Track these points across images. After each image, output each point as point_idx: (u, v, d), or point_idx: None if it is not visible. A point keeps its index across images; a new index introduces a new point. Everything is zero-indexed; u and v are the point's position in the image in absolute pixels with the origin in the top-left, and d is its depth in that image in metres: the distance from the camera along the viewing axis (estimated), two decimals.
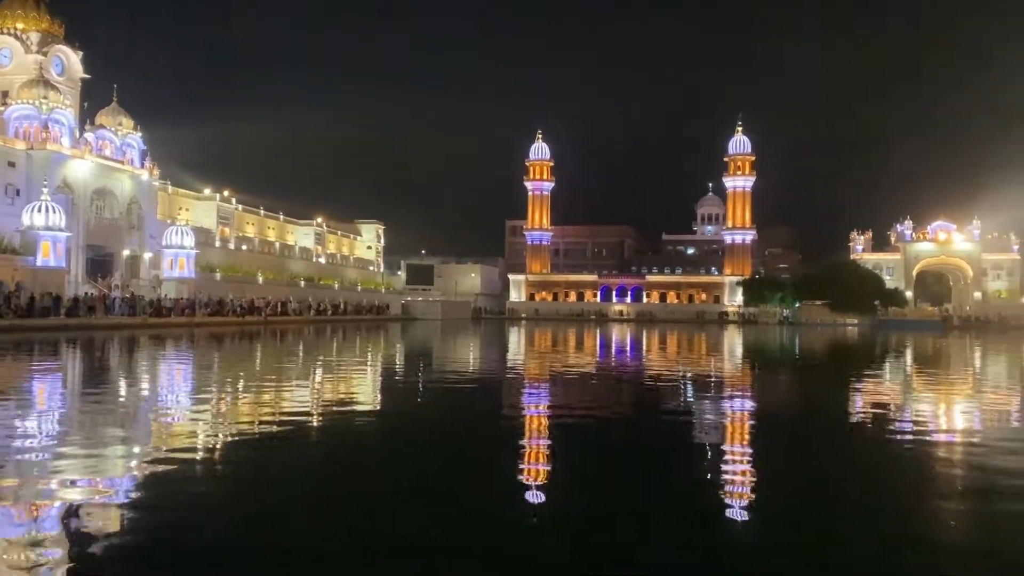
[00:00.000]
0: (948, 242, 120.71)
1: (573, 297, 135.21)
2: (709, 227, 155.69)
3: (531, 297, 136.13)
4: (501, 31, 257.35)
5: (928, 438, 13.00)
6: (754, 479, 9.53)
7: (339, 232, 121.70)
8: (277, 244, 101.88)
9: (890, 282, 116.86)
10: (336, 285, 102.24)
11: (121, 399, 16.45)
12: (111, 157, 69.61)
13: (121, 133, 72.04)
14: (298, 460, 10.12)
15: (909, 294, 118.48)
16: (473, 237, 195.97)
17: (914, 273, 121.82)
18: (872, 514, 7.94)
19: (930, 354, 41.13)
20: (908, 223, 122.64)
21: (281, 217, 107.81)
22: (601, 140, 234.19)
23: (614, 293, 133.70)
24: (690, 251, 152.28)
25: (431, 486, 8.76)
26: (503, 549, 6.56)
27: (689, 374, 25.03)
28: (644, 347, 43.45)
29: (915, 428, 14.12)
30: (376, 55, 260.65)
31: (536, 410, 15.88)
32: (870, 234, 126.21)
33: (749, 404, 17.74)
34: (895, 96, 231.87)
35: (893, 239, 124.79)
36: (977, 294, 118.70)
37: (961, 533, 7.41)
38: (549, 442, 11.96)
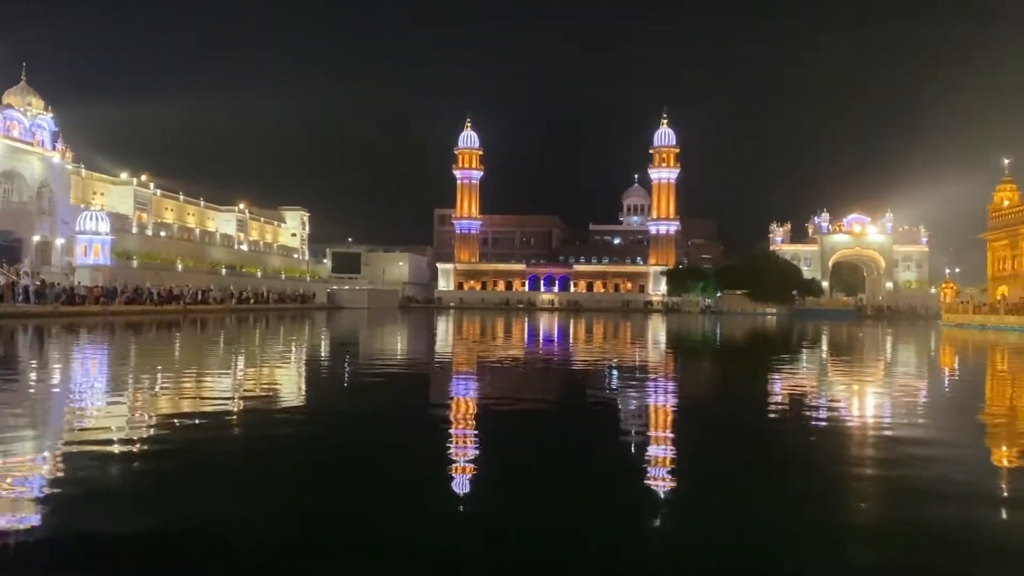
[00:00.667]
0: (862, 234, 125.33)
1: (502, 286, 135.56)
2: (635, 218, 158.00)
3: (460, 286, 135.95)
4: (433, 19, 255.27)
5: (840, 422, 13.38)
6: (672, 465, 9.61)
7: (262, 219, 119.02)
8: (197, 231, 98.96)
9: (808, 272, 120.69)
10: (259, 273, 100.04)
11: (29, 391, 15.64)
12: (19, 138, 66.40)
13: (30, 114, 68.83)
14: (203, 453, 9.74)
15: (825, 284, 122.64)
16: (401, 225, 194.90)
17: (830, 264, 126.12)
18: (783, 496, 8.08)
19: (844, 342, 42.57)
20: (825, 216, 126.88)
21: (202, 203, 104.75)
22: (530, 130, 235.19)
23: (542, 282, 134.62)
24: (617, 241, 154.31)
25: (341, 479, 8.54)
26: (404, 544, 6.41)
27: (615, 362, 25.28)
28: (571, 336, 43.75)
29: (829, 413, 14.51)
30: (305, 40, 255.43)
31: (462, 399, 15.74)
32: (789, 226, 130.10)
33: (671, 390, 17.97)
34: (814, 93, 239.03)
35: (811, 231, 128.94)
36: (889, 284, 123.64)
37: (870, 515, 7.61)
38: (473, 432, 11.84)
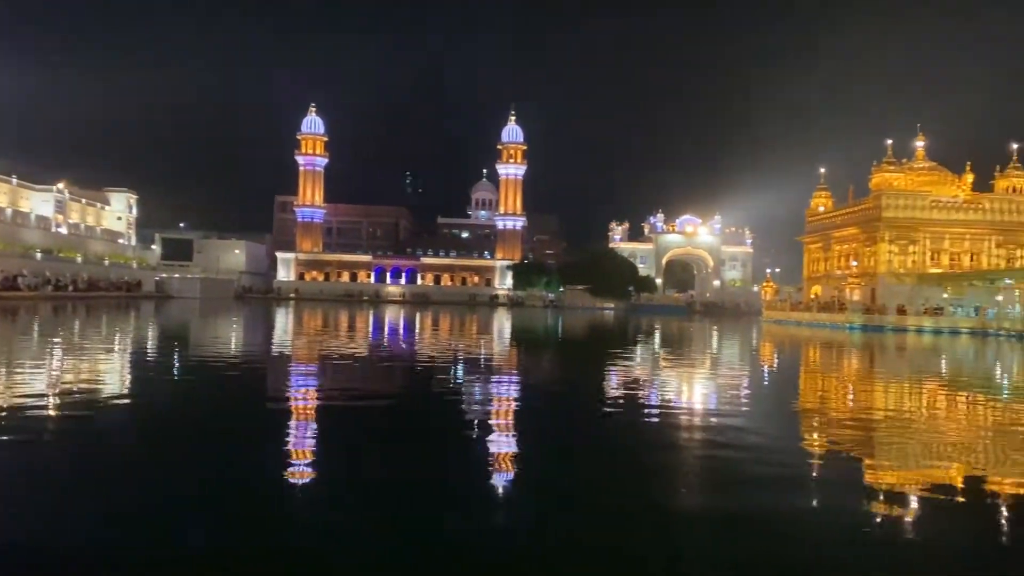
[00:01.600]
0: (694, 235, 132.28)
1: (346, 277, 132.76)
2: (483, 212, 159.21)
3: (301, 276, 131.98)
4: (285, 8, 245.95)
5: (668, 411, 13.91)
6: (512, 454, 9.59)
7: (84, 200, 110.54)
8: (8, 211, 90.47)
9: (643, 269, 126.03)
10: (79, 258, 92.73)
11: None
12: None
13: None
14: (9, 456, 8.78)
15: (659, 281, 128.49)
16: (239, 212, 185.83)
17: (664, 262, 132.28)
18: (611, 480, 8.24)
19: (675, 336, 44.69)
20: (660, 216, 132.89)
21: (14, 181, 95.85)
22: (379, 121, 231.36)
23: (388, 274, 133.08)
24: (465, 235, 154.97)
25: (161, 479, 7.92)
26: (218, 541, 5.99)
27: (459, 355, 25.23)
28: (417, 328, 43.42)
29: (660, 402, 15.06)
30: (144, 15, 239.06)
31: (299, 395, 15.14)
32: (627, 225, 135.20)
33: (512, 382, 18.09)
34: (653, 99, 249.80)
35: (647, 230, 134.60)
36: (716, 282, 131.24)
37: (692, 496, 7.88)
38: (310, 428, 11.36)
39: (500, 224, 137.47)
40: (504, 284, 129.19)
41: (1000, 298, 55.68)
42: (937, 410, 15.94)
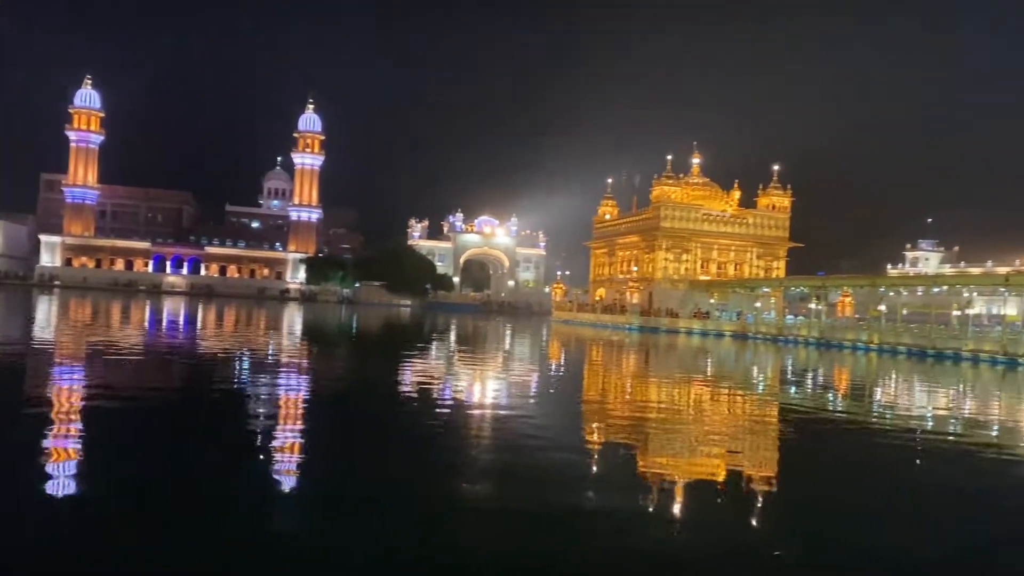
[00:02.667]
0: (491, 235, 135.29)
1: (121, 265, 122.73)
2: (276, 202, 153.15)
3: (69, 262, 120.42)
4: None
5: (461, 404, 14.20)
6: (295, 453, 9.39)
7: None
8: None
9: (441, 268, 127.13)
10: None
11: None
12: None
13: None
14: None
15: (456, 279, 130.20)
16: None
17: (462, 261, 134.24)
18: (396, 469, 8.33)
19: (470, 333, 45.51)
20: (459, 215, 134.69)
21: None
22: (165, 100, 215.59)
23: (169, 263, 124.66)
24: (255, 225, 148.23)
25: None
26: None
27: (242, 352, 24.20)
28: (198, 323, 41.09)
29: (453, 398, 15.32)
30: None
31: (58, 394, 13.89)
32: (427, 223, 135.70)
33: (299, 381, 17.64)
34: (456, 101, 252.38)
35: (446, 229, 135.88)
36: (511, 282, 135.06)
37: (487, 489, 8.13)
38: (73, 428, 10.47)
39: (294, 215, 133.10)
40: (296, 278, 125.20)
41: (758, 304, 61.71)
42: (701, 404, 17.44)
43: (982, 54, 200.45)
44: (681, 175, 73.28)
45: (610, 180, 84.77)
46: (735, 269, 71.26)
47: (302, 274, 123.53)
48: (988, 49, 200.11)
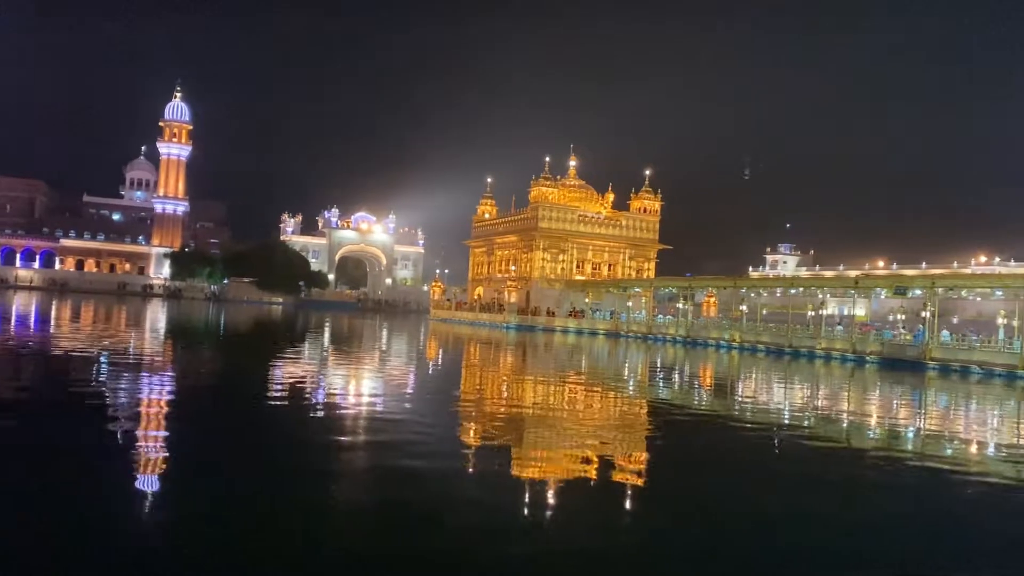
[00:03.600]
0: (368, 232, 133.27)
1: None
2: (139, 193, 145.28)
3: None
4: None
5: (335, 404, 13.90)
6: (156, 456, 8.93)
7: None
8: None
9: (315, 264, 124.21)
10: None
11: None
12: None
13: None
14: None
15: (332, 276, 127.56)
16: None
17: (337, 257, 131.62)
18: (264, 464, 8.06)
19: (344, 332, 44.71)
20: (335, 211, 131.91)
21: None
22: (16, 79, 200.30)
23: (19, 256, 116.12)
24: (116, 217, 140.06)
25: None
26: None
27: (97, 352, 22.83)
28: (51, 320, 38.49)
29: (326, 399, 14.97)
30: None
31: None
32: (300, 218, 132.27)
33: (154, 383, 16.82)
34: (333, 96, 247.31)
35: (321, 224, 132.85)
36: (388, 280, 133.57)
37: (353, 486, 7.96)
38: None
39: (159, 207, 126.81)
40: (161, 273, 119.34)
41: (630, 304, 63.63)
42: (575, 401, 17.78)
43: (843, 62, 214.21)
44: (559, 177, 74.57)
45: (489, 179, 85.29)
46: (609, 270, 73.16)
47: (167, 269, 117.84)
48: (848, 60, 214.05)
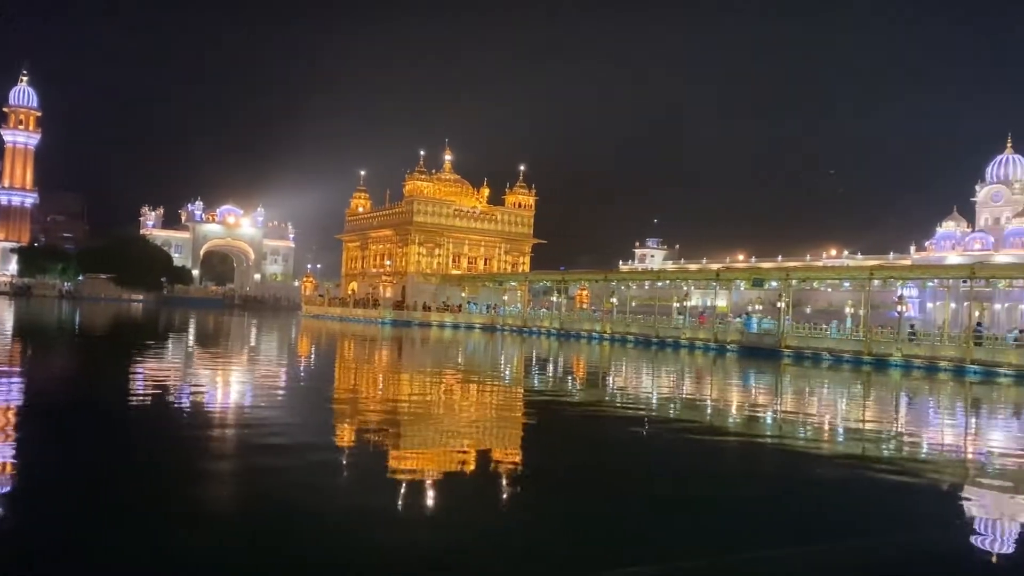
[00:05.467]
0: (236, 226, 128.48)
1: None
2: None
3: None
4: None
5: (201, 405, 13.37)
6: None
7: None
8: None
9: (179, 260, 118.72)
10: None
11: None
12: None
13: None
14: None
15: (196, 272, 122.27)
16: None
17: (202, 252, 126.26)
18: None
19: (210, 330, 42.99)
20: (199, 204, 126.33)
21: None
22: None
23: None
24: None
25: None
26: None
27: None
28: None
29: (192, 402, 14.37)
30: None
31: None
32: (162, 211, 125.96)
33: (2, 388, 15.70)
34: (195, 84, 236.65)
35: (184, 218, 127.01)
36: (257, 276, 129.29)
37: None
38: None
39: (4, 199, 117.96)
40: (7, 270, 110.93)
41: (506, 298, 64.32)
42: (451, 395, 17.83)
43: (713, 65, 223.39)
44: (434, 171, 74.38)
45: (363, 172, 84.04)
46: (485, 264, 73.67)
47: (14, 266, 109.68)
48: (718, 64, 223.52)
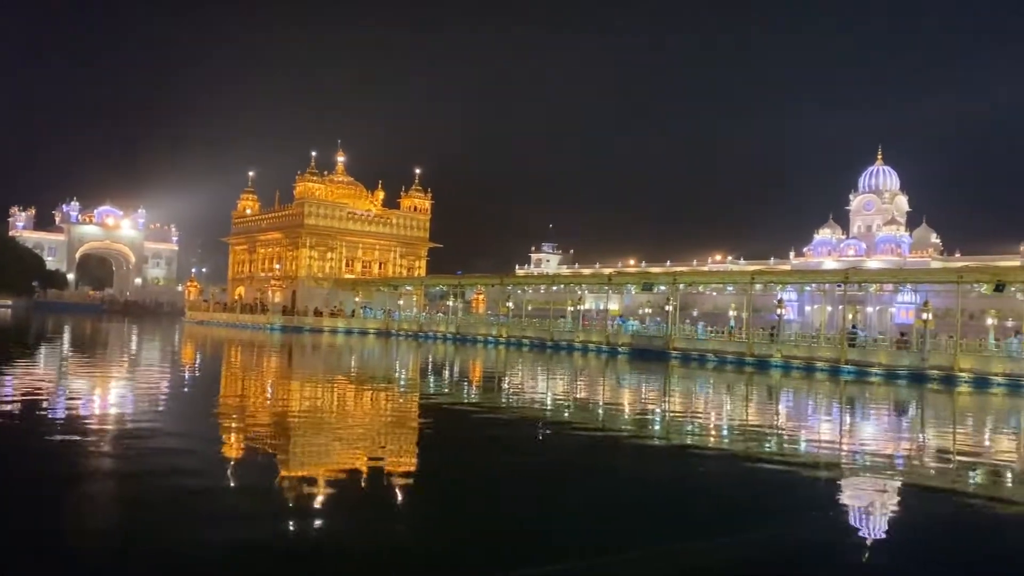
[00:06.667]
0: (115, 227, 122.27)
1: None
2: None
3: None
4: None
5: (72, 420, 12.61)
6: None
7: None
8: None
9: (52, 263, 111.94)
10: None
11: None
12: None
13: None
14: None
15: (72, 276, 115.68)
16: None
17: (78, 255, 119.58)
18: None
19: (86, 337, 40.76)
20: (75, 204, 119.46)
21: None
22: None
23: None
24: None
25: None
26: None
27: None
28: None
29: (57, 413, 13.55)
30: None
31: None
32: (33, 211, 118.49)
33: None
34: (75, 76, 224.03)
35: (58, 219, 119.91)
36: (138, 280, 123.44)
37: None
38: None
39: None
40: None
41: (401, 302, 63.64)
42: (344, 404, 17.46)
43: (608, 69, 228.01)
44: (326, 173, 72.92)
45: (251, 173, 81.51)
46: (380, 268, 72.70)
47: None
48: (612, 67, 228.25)
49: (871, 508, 9.06)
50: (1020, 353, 28.57)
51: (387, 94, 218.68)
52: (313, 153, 71.30)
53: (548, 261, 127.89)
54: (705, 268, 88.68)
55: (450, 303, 61.00)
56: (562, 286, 59.11)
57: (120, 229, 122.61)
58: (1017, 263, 63.03)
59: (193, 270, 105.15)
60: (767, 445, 13.55)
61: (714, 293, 78.52)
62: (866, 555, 7.23)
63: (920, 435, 16.29)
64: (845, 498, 9.60)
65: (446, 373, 27.37)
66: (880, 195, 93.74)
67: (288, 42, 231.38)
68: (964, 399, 23.99)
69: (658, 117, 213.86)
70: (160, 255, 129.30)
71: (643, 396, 21.93)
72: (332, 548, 6.70)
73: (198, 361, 29.64)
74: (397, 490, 8.99)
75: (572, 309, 53.31)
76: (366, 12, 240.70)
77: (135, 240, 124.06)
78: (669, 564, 6.67)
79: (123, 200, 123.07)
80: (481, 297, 69.01)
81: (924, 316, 32.32)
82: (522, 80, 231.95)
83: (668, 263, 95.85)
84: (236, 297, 76.04)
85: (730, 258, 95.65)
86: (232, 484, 8.99)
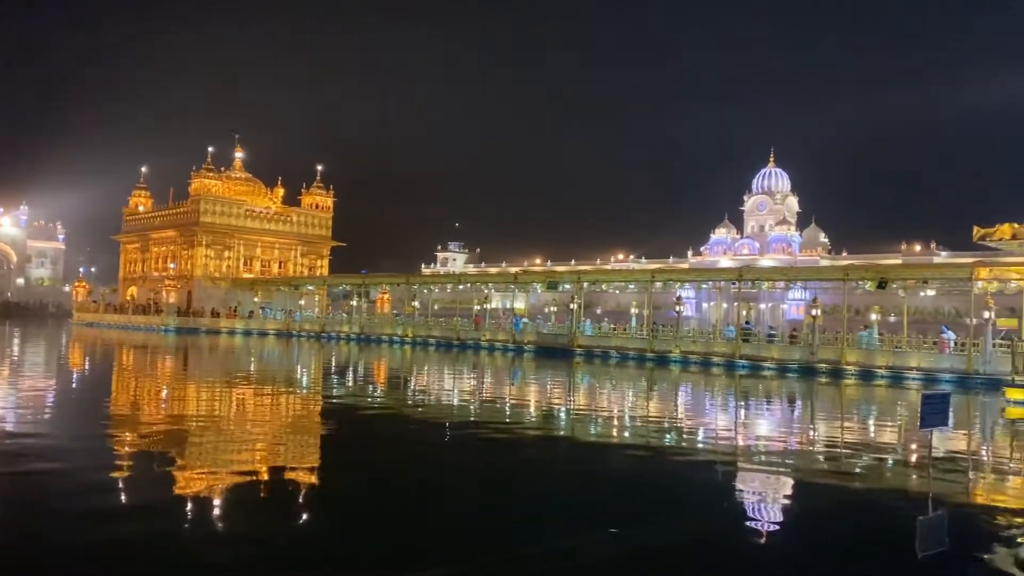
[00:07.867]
0: None
1: None
2: None
3: None
4: None
5: None
6: None
7: None
8: None
9: None
10: None
11: None
12: None
13: None
14: None
15: None
16: None
17: None
18: None
19: None
20: None
21: None
22: None
23: None
24: None
25: None
26: None
27: None
28: None
29: None
30: None
31: None
32: None
33: None
34: None
35: None
36: (21, 280, 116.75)
37: None
38: None
39: None
40: None
41: (303, 302, 62.27)
42: (240, 408, 16.92)
43: (507, 67, 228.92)
44: (223, 169, 70.66)
45: (144, 169, 78.14)
46: (280, 267, 70.97)
47: None
48: (509, 65, 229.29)
49: (764, 498, 9.37)
50: (870, 345, 31.35)
51: (287, 91, 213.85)
52: (210, 149, 69.06)
53: (455, 260, 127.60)
54: (608, 267, 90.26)
55: (354, 303, 60.03)
56: (468, 285, 59.01)
57: (0, 227, 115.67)
58: (898, 261, 66.67)
59: (81, 270, 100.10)
60: (667, 438, 13.86)
61: (617, 291, 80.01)
62: (761, 539, 7.47)
63: (809, 426, 17.00)
64: (739, 489, 9.90)
65: (348, 374, 26.90)
66: (772, 196, 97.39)
67: (185, 36, 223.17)
68: (850, 391, 25.20)
69: (560, 118, 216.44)
70: (45, 254, 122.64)
71: (547, 393, 22.10)
72: (226, 555, 6.46)
73: (87, 365, 28.21)
74: (293, 494, 8.75)
75: (478, 308, 53.34)
76: (268, 9, 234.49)
77: (17, 238, 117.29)
78: (566, 559, 6.71)
79: (4, 196, 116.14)
80: (386, 297, 68.21)
81: (813, 312, 33.81)
82: (427, 79, 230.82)
83: (573, 262, 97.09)
84: (128, 298, 72.86)
85: (632, 257, 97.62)
86: (114, 496, 8.56)
